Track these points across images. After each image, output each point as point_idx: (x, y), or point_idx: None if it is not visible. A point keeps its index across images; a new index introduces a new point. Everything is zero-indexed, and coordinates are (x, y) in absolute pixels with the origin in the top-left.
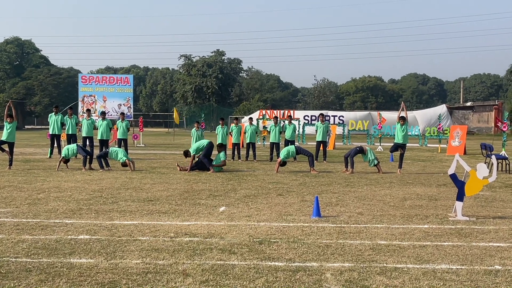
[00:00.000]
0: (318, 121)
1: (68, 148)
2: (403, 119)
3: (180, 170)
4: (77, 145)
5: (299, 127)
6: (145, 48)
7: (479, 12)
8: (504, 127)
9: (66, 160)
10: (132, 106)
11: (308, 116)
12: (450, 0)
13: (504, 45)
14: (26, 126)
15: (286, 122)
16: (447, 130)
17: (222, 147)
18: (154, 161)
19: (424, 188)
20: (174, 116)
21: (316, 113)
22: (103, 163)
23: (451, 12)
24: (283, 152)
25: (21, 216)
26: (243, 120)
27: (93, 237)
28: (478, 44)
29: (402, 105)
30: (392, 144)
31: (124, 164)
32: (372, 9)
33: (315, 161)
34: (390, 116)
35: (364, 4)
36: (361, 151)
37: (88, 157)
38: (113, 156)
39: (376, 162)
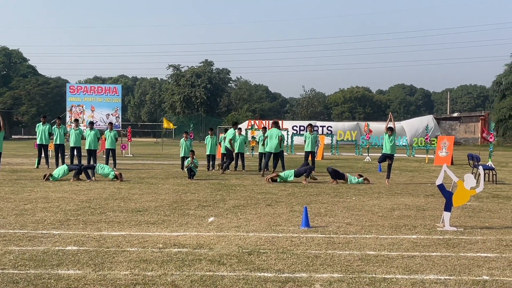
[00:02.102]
0: (306, 131)
1: (60, 170)
2: (391, 130)
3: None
4: (67, 166)
5: (287, 137)
6: (133, 58)
7: (465, 24)
8: (491, 137)
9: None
10: (120, 116)
11: (296, 127)
12: (437, 12)
13: (490, 56)
14: (13, 136)
15: None
16: (434, 140)
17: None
18: (142, 171)
19: (412, 198)
20: (165, 125)
21: (305, 123)
22: (89, 174)
23: (438, 23)
24: (285, 173)
25: (8, 227)
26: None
27: (81, 248)
28: (464, 55)
29: (390, 116)
30: (380, 154)
31: (115, 177)
32: (360, 21)
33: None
34: (378, 126)
35: (351, 15)
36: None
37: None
38: (99, 171)
39: (361, 181)
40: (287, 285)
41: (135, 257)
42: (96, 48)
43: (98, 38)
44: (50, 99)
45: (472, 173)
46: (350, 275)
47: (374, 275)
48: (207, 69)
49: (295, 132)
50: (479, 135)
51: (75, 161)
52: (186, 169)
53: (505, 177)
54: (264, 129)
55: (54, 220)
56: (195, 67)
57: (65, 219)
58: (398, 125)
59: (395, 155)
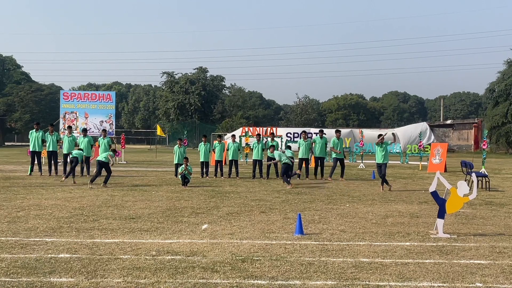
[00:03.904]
0: (300, 138)
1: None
2: (381, 139)
3: None
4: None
5: (281, 144)
6: (127, 65)
7: (458, 31)
8: (484, 145)
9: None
10: (114, 123)
11: (290, 133)
12: (430, 20)
13: (483, 64)
14: (6, 143)
15: (269, 139)
16: (427, 147)
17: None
18: (136, 178)
19: (405, 205)
20: (158, 132)
21: (299, 130)
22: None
23: (431, 31)
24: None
25: (0, 235)
26: (225, 137)
27: (73, 255)
28: (457, 63)
29: (391, 136)
30: (375, 162)
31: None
32: (354, 28)
33: (297, 178)
34: (372, 133)
35: (345, 23)
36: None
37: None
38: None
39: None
40: None
41: (128, 264)
42: (90, 55)
43: (92, 45)
44: (44, 105)
45: (465, 180)
46: (344, 282)
47: (367, 282)
48: (201, 76)
49: (289, 139)
50: (473, 142)
51: (68, 168)
52: (180, 176)
53: (498, 184)
54: (258, 135)
55: (46, 228)
56: (189, 74)
57: (58, 226)
58: (391, 132)
59: (388, 162)
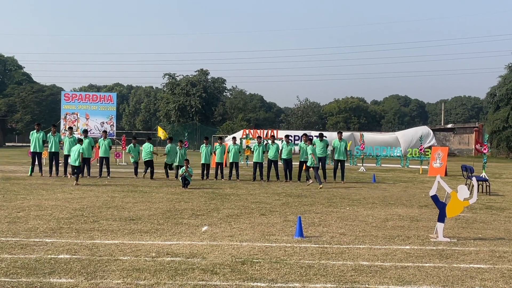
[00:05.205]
0: (301, 141)
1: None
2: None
3: None
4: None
5: (281, 146)
6: (128, 67)
7: (460, 36)
8: (484, 149)
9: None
10: (115, 124)
11: (291, 136)
12: (431, 24)
13: (485, 68)
14: (7, 143)
15: (270, 141)
16: (428, 151)
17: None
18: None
19: (405, 209)
20: (159, 134)
21: (300, 133)
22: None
23: (433, 35)
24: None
25: (0, 235)
26: (226, 139)
27: (73, 256)
28: (459, 67)
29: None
30: (373, 164)
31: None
32: (355, 31)
33: (297, 181)
34: (372, 137)
35: (346, 26)
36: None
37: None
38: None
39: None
40: None
41: (128, 265)
42: (91, 56)
43: (93, 46)
44: (45, 106)
45: (465, 184)
46: (344, 285)
47: (367, 286)
48: (202, 78)
49: (290, 141)
50: (473, 146)
51: (69, 169)
52: (180, 177)
53: (498, 189)
54: (259, 138)
55: (46, 228)
56: (190, 76)
57: (58, 227)
58: (392, 135)
59: (386, 165)
